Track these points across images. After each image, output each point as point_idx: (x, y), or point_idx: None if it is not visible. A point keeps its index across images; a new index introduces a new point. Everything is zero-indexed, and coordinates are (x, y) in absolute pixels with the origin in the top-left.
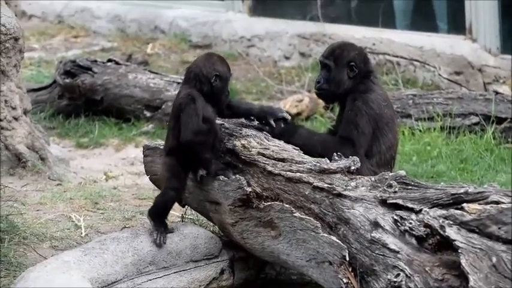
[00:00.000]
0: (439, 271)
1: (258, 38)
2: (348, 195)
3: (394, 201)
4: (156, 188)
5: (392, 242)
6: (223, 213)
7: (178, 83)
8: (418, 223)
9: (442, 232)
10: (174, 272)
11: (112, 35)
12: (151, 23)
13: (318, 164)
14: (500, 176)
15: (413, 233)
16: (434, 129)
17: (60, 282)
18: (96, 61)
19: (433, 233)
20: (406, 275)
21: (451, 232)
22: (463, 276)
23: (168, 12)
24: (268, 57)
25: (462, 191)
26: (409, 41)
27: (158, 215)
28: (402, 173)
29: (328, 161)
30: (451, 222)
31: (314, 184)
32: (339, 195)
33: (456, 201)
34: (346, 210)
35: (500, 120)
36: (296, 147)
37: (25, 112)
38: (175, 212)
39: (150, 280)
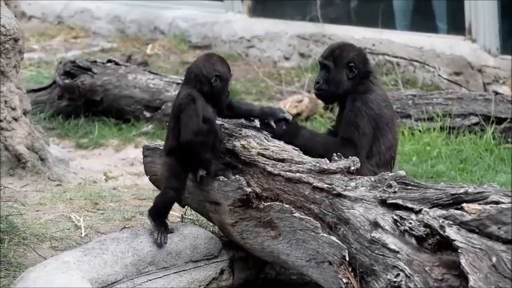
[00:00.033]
0: (439, 271)
1: (257, 39)
2: (348, 195)
3: (393, 201)
4: (155, 188)
5: (392, 242)
6: (223, 214)
7: (178, 83)
8: (418, 223)
9: (441, 232)
10: (174, 272)
11: (112, 35)
12: (151, 23)
13: (318, 164)
14: (500, 176)
15: (413, 233)
16: (434, 129)
17: (60, 283)
18: (95, 62)
19: (432, 233)
20: (406, 275)
21: (451, 232)
22: (462, 276)
23: (168, 12)
24: (267, 58)
25: (462, 191)
26: (408, 41)
27: (158, 215)
28: (402, 173)
29: (327, 161)
30: (450, 222)
31: (314, 184)
32: (339, 195)
33: (456, 201)
34: (346, 210)
35: (499, 121)
36: (296, 148)
37: (25, 113)
38: (175, 212)
39: (150, 280)
